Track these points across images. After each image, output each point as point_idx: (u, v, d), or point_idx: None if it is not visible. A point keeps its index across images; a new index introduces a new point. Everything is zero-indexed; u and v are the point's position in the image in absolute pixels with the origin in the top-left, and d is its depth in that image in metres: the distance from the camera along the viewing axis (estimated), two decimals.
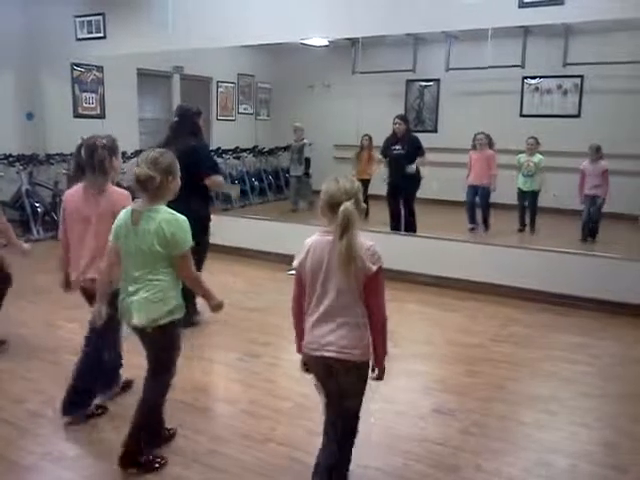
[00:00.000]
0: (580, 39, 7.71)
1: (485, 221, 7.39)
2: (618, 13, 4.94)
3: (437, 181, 7.98)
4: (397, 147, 6.97)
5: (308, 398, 3.45)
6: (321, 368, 2.40)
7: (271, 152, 10.32)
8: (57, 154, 8.22)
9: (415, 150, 6.90)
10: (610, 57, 7.35)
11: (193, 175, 3.99)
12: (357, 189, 2.30)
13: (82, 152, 3.13)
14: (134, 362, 3.29)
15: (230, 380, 3.68)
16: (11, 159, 7.84)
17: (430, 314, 5.11)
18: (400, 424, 3.20)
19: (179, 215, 2.65)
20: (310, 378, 2.50)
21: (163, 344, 2.77)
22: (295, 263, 2.40)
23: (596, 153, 6.72)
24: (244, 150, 9.81)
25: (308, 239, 2.39)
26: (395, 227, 6.78)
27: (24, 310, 4.88)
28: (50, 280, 5.84)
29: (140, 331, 2.73)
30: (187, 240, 2.63)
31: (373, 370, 2.41)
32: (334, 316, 2.31)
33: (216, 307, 2.85)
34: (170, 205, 2.71)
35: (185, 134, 4.42)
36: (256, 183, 9.81)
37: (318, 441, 2.61)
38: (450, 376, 3.89)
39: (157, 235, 2.58)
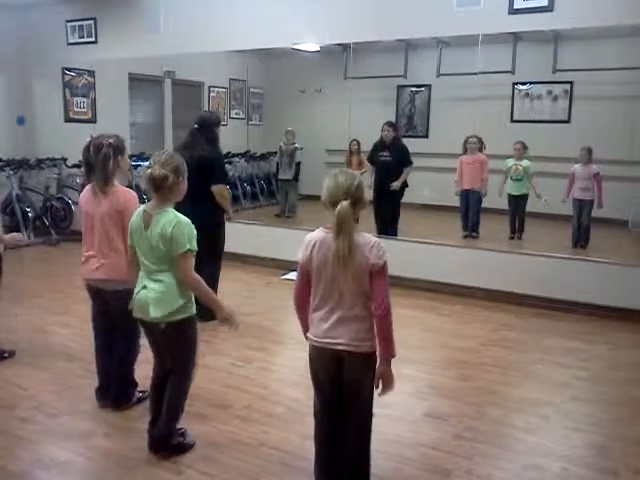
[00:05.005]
0: (570, 45, 7.77)
1: (475, 227, 7.28)
2: (607, 20, 5.00)
3: (428, 186, 8.00)
4: (385, 154, 6.97)
5: (301, 403, 3.46)
6: (329, 360, 2.40)
7: (263, 157, 10.31)
8: (48, 159, 8.17)
9: (402, 158, 6.92)
10: (599, 63, 7.40)
11: (203, 182, 4.34)
12: (356, 186, 2.30)
13: (90, 150, 3.17)
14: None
15: (224, 385, 3.67)
16: (1, 163, 7.80)
17: (423, 319, 5.12)
18: (393, 428, 3.20)
19: (183, 218, 2.71)
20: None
21: (177, 341, 2.82)
22: (299, 257, 2.41)
23: (588, 155, 6.73)
24: (236, 155, 9.80)
25: (310, 234, 2.41)
26: (381, 232, 6.70)
27: (14, 315, 4.85)
28: (40, 285, 5.84)
29: (154, 328, 2.78)
30: (185, 242, 2.67)
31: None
32: (342, 310, 2.34)
33: (224, 319, 2.85)
34: (182, 209, 2.78)
35: (202, 141, 4.61)
36: (248, 188, 9.80)
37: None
38: (443, 381, 3.89)
39: (161, 235, 2.67)
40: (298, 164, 9.02)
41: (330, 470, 2.53)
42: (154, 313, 2.72)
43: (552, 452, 3.03)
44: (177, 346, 2.84)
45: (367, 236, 2.34)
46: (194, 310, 2.83)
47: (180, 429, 2.96)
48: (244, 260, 6.64)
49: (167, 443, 2.88)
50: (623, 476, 2.85)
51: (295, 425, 3.22)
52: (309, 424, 3.19)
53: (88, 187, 3.24)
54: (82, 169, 5.99)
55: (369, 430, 2.49)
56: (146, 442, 2.92)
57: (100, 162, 3.11)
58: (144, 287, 2.76)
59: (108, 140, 3.16)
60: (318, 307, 2.40)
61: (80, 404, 3.41)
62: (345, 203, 2.24)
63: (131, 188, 3.48)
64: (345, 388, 2.43)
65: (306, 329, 2.49)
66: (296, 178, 9.07)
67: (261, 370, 3.99)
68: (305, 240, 2.41)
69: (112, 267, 3.17)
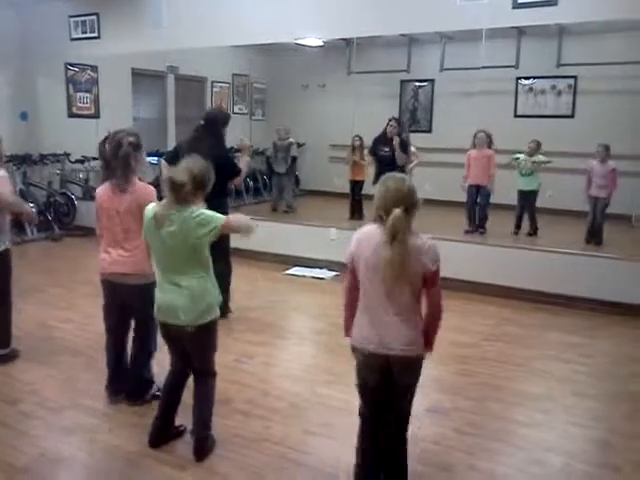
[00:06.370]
0: (574, 40, 7.73)
1: (483, 222, 7.20)
2: (611, 14, 4.98)
3: (431, 181, 7.98)
4: (386, 149, 7.02)
5: (303, 398, 3.47)
6: (379, 367, 2.37)
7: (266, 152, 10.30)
8: (51, 154, 8.19)
9: (403, 150, 6.99)
10: (603, 58, 7.37)
11: (218, 179, 4.28)
12: (406, 191, 2.25)
13: (106, 145, 3.17)
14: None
15: (225, 380, 3.66)
16: (5, 159, 7.80)
17: None
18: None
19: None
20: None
21: (205, 343, 2.83)
22: (347, 257, 2.36)
23: (605, 152, 6.63)
24: (239, 150, 9.77)
25: (357, 232, 2.36)
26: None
27: (17, 311, 4.85)
28: (43, 280, 5.85)
29: (181, 332, 2.76)
30: (217, 216, 2.67)
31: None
32: (394, 313, 2.30)
33: (250, 229, 2.85)
34: None
35: (209, 138, 4.58)
36: (251, 183, 9.79)
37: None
38: (444, 376, 3.89)
39: (182, 229, 2.63)
40: (294, 159, 9.01)
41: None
42: (184, 317, 2.71)
43: (554, 447, 3.03)
44: (205, 347, 2.85)
45: (423, 238, 2.29)
46: (218, 312, 2.83)
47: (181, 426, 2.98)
48: (246, 255, 6.63)
49: (207, 442, 2.87)
50: (625, 471, 2.85)
51: (297, 420, 3.23)
52: (311, 419, 3.22)
53: (107, 185, 3.21)
54: (84, 165, 5.91)
55: (407, 430, 2.48)
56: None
57: (121, 160, 3.11)
58: (169, 291, 2.74)
59: (128, 139, 3.14)
60: (366, 310, 2.36)
61: (84, 399, 3.42)
62: (398, 211, 2.17)
63: None
64: (393, 391, 2.41)
65: (349, 326, 2.45)
66: (292, 172, 9.06)
67: (263, 365, 4.00)
68: (354, 237, 2.36)
69: (133, 262, 3.18)
